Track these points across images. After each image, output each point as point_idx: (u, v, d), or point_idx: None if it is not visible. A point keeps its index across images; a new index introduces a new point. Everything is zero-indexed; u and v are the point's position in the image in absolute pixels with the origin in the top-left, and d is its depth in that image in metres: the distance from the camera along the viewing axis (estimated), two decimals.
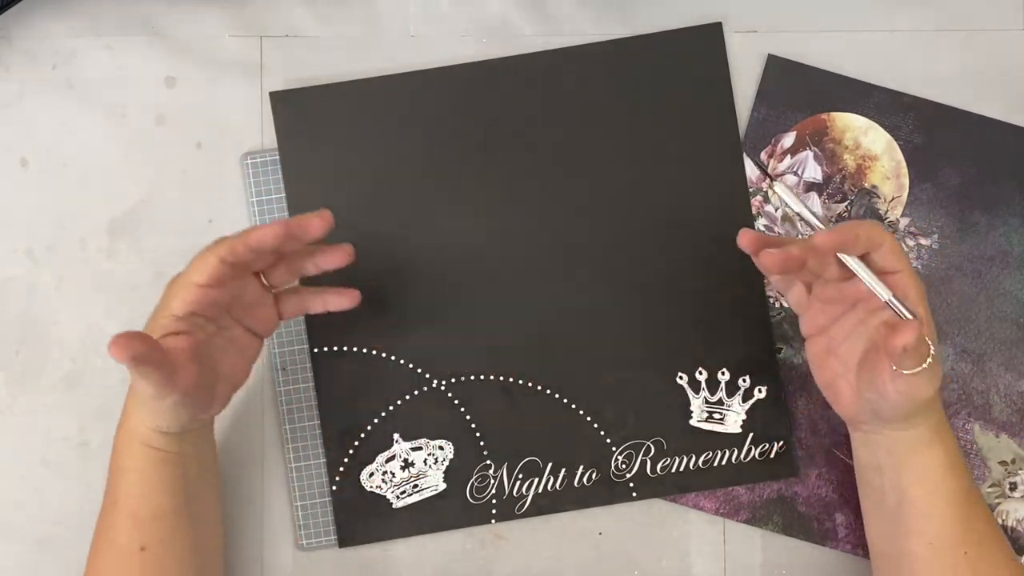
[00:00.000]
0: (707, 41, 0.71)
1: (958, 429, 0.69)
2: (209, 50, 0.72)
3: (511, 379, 0.70)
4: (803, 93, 0.71)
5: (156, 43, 0.72)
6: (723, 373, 0.70)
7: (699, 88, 0.71)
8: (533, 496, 0.69)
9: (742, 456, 0.69)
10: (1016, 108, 0.71)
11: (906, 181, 0.71)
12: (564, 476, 0.69)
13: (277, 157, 0.70)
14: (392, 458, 0.69)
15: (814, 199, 0.71)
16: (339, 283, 0.65)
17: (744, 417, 0.70)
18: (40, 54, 0.71)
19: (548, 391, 0.70)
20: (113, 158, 0.71)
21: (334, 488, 0.69)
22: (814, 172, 0.71)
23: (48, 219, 0.71)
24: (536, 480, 0.69)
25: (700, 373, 0.70)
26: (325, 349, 0.70)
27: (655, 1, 0.72)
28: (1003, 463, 0.69)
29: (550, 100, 0.71)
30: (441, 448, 0.69)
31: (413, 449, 0.69)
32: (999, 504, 0.69)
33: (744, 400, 0.70)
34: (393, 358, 0.70)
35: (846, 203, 0.71)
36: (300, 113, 0.70)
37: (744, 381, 0.70)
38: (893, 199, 0.71)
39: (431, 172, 0.70)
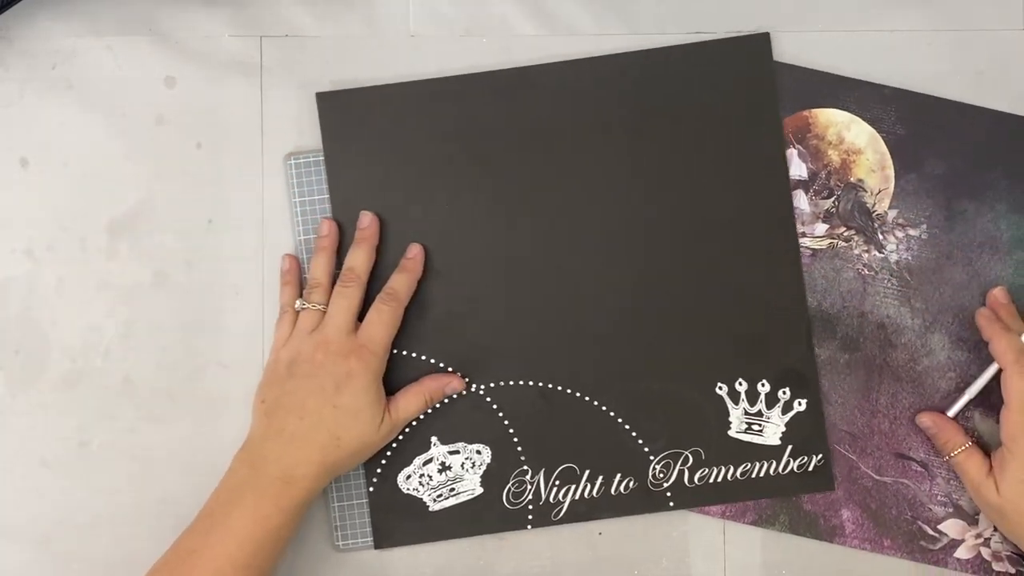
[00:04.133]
0: (754, 51, 0.71)
1: (958, 418, 0.69)
2: (209, 50, 0.72)
3: (550, 385, 0.69)
4: (784, 91, 0.71)
5: (156, 43, 0.72)
6: (763, 384, 0.69)
7: (745, 98, 0.70)
8: (570, 503, 0.69)
9: (780, 468, 0.69)
10: (1016, 108, 0.71)
11: (891, 173, 0.71)
12: (601, 484, 0.69)
13: (320, 158, 0.70)
14: (429, 461, 0.69)
15: (801, 196, 0.71)
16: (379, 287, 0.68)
17: (783, 429, 0.69)
18: (40, 54, 0.71)
19: (587, 398, 0.69)
20: (113, 158, 0.71)
21: (371, 490, 0.69)
22: (799, 170, 0.71)
23: (48, 219, 0.71)
24: (573, 487, 0.69)
25: (740, 384, 0.69)
26: None
27: (656, 1, 0.72)
28: None
29: (595, 106, 0.70)
30: (479, 452, 0.69)
31: (451, 453, 0.69)
32: None
33: (784, 412, 0.69)
34: (432, 361, 0.70)
35: (833, 199, 0.71)
36: (345, 114, 0.70)
37: (784, 393, 0.69)
38: (880, 192, 0.71)
39: (475, 175, 0.70)
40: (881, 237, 0.70)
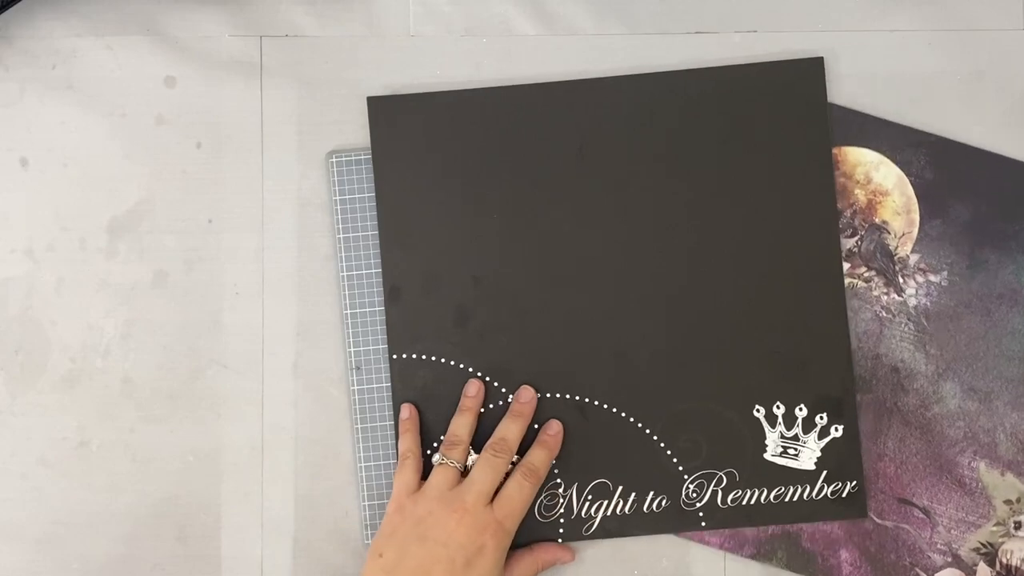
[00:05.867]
0: (808, 74, 0.70)
1: (963, 467, 0.69)
2: (209, 50, 0.72)
3: (586, 399, 0.69)
4: None
5: (156, 43, 0.72)
6: (800, 409, 0.69)
7: (797, 121, 0.70)
8: (601, 519, 0.69)
9: (814, 494, 0.69)
10: (1016, 109, 0.71)
11: (916, 217, 0.70)
12: (634, 501, 0.69)
13: (363, 157, 0.70)
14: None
15: None
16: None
17: (819, 455, 0.69)
18: (40, 54, 0.71)
19: (623, 414, 0.69)
20: (113, 158, 0.71)
21: None
22: None
23: (48, 219, 0.71)
24: (605, 503, 0.69)
25: (777, 407, 0.69)
26: (404, 356, 0.69)
27: (656, 1, 0.72)
28: (1008, 502, 0.69)
29: (648, 123, 0.70)
30: (512, 464, 0.68)
31: None
32: (1003, 543, 0.69)
33: (820, 437, 0.69)
34: (471, 369, 0.69)
35: (856, 238, 0.71)
36: (395, 118, 0.70)
37: (821, 419, 0.69)
38: (903, 235, 0.70)
39: (522, 186, 0.70)
40: (901, 280, 0.70)
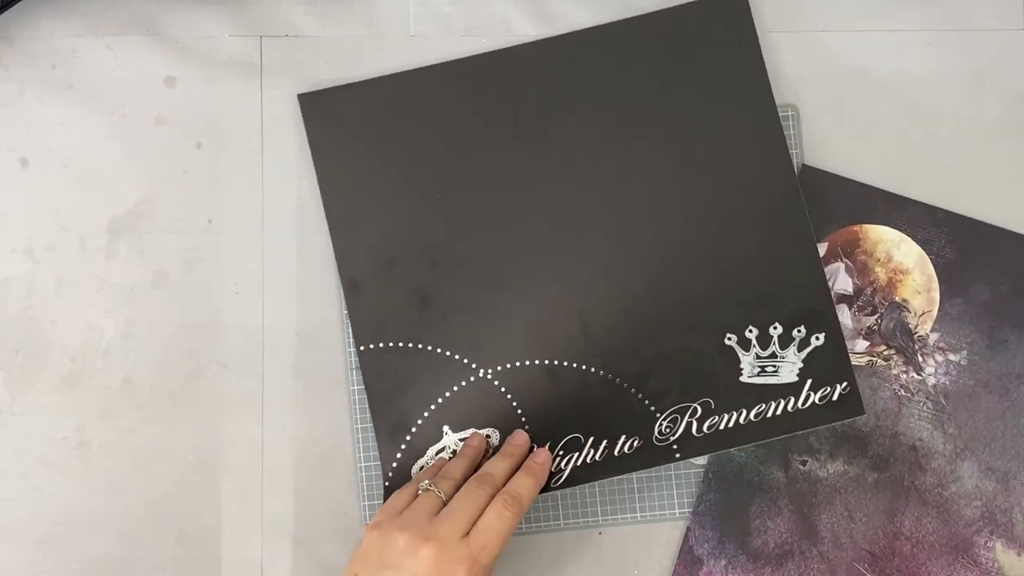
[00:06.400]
0: (732, 10, 0.71)
1: (979, 547, 0.69)
2: (209, 50, 0.72)
3: (555, 362, 0.69)
4: (836, 204, 0.71)
5: (156, 43, 0.72)
6: (775, 328, 0.69)
7: (729, 58, 0.70)
8: (571, 469, 0.69)
9: (800, 403, 0.68)
10: (1017, 109, 0.71)
11: (937, 296, 0.70)
12: (605, 448, 0.69)
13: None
14: (443, 450, 0.69)
15: (844, 311, 0.70)
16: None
17: (800, 366, 0.69)
18: (40, 54, 0.71)
19: (593, 369, 0.69)
20: (113, 158, 0.71)
21: (386, 484, 0.69)
22: (845, 284, 0.71)
23: (48, 219, 0.71)
24: (576, 454, 0.69)
25: (750, 331, 0.69)
26: (371, 346, 0.70)
27: (656, 1, 0.72)
28: None
29: (579, 81, 0.70)
30: (488, 436, 0.69)
31: (462, 440, 0.69)
32: None
33: (800, 349, 0.69)
34: (439, 351, 0.70)
35: (876, 316, 0.71)
36: (328, 113, 0.70)
37: (799, 331, 0.69)
38: (923, 313, 0.70)
39: (463, 162, 0.70)
40: (921, 359, 0.70)
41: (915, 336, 0.70)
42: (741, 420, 0.68)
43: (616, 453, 0.69)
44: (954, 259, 0.70)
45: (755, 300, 0.69)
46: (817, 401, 0.69)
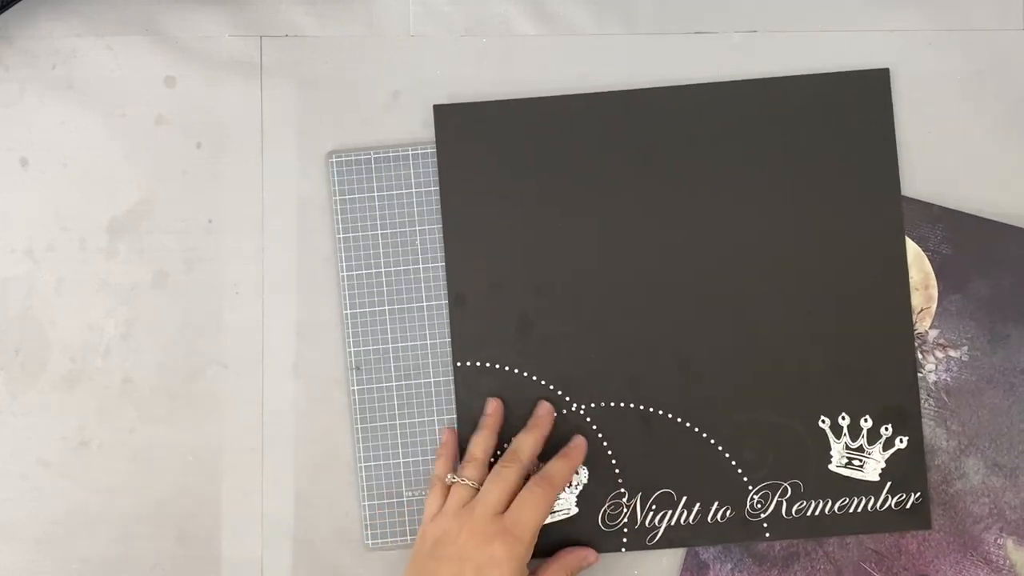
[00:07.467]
0: (872, 86, 0.70)
1: (990, 544, 0.69)
2: (209, 50, 0.72)
3: (651, 409, 0.69)
4: None
5: (156, 43, 0.72)
6: (866, 420, 0.69)
7: (860, 132, 0.70)
8: (665, 528, 0.69)
9: (878, 505, 0.69)
10: (1017, 109, 0.71)
11: (935, 292, 0.70)
12: (698, 511, 0.69)
13: (362, 157, 0.70)
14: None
15: None
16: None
17: (883, 466, 0.69)
18: (40, 54, 0.71)
19: (687, 424, 0.69)
20: (113, 158, 0.71)
21: None
22: None
23: (48, 219, 0.71)
24: (670, 512, 0.69)
25: (843, 418, 0.69)
26: (468, 364, 0.69)
27: (656, 1, 0.72)
28: None
29: (712, 131, 0.70)
30: (577, 472, 0.68)
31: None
32: None
33: (885, 448, 0.69)
34: (535, 378, 0.69)
35: None
36: (461, 126, 0.70)
37: (886, 430, 0.69)
38: (922, 310, 0.70)
39: (587, 195, 0.70)
40: (921, 356, 0.70)
41: (915, 333, 0.70)
42: (826, 511, 0.69)
43: (709, 520, 0.69)
44: (951, 255, 0.70)
45: (851, 386, 0.69)
46: (893, 506, 0.69)
